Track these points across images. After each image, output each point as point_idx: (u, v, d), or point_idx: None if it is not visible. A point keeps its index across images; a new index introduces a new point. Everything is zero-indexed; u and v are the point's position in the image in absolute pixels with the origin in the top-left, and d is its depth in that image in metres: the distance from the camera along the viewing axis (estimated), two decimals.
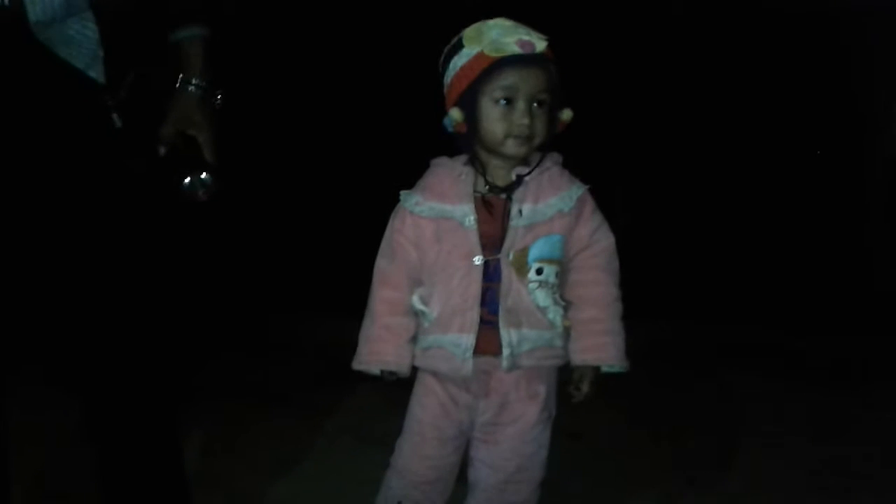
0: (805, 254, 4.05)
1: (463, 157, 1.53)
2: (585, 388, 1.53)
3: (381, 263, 1.56)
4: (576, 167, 1.56)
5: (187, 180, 1.59)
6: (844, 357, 3.49)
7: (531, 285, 1.49)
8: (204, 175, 1.60)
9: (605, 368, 1.54)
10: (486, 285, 1.48)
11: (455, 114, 1.46)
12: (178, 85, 1.59)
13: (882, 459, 2.50)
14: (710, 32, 4.03)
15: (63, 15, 1.44)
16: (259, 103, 3.71)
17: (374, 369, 1.56)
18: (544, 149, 1.51)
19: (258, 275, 3.66)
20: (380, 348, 1.55)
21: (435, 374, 1.56)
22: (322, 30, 3.88)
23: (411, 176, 1.58)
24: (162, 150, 1.62)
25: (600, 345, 1.52)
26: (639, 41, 3.96)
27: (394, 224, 1.55)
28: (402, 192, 1.55)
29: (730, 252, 4.08)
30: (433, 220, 1.51)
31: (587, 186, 1.54)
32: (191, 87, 1.59)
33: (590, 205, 1.54)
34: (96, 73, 1.52)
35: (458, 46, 1.46)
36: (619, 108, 3.93)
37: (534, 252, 1.48)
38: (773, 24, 4.02)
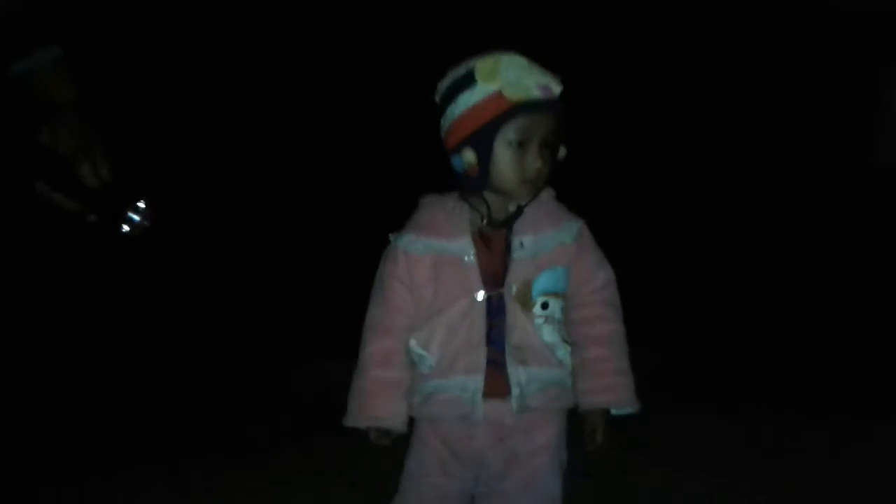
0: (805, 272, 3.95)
1: (454, 194, 1.47)
2: (599, 436, 1.44)
3: (373, 311, 1.47)
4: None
5: (126, 217, 1.42)
6: (857, 381, 3.40)
7: (537, 321, 1.42)
8: (137, 204, 1.43)
9: (614, 411, 1.46)
10: (490, 323, 1.41)
11: (468, 155, 1.38)
12: (54, 113, 1.43)
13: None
14: (687, 48, 3.99)
15: None
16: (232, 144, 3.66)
17: (364, 426, 1.45)
18: None
19: (247, 324, 3.55)
20: (370, 403, 1.44)
21: (433, 427, 1.46)
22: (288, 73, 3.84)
23: (398, 216, 1.51)
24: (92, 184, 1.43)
25: (609, 386, 1.45)
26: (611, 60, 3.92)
27: (385, 267, 1.47)
28: (392, 235, 1.47)
29: (728, 271, 3.98)
30: (429, 257, 1.43)
31: (583, 220, 1.49)
32: (72, 113, 1.44)
33: (589, 238, 1.49)
34: None
35: (470, 81, 1.37)
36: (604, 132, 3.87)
37: (538, 285, 1.42)
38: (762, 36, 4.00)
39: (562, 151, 1.43)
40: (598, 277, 1.47)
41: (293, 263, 3.63)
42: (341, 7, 3.69)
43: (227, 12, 3.52)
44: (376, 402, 1.44)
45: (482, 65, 1.37)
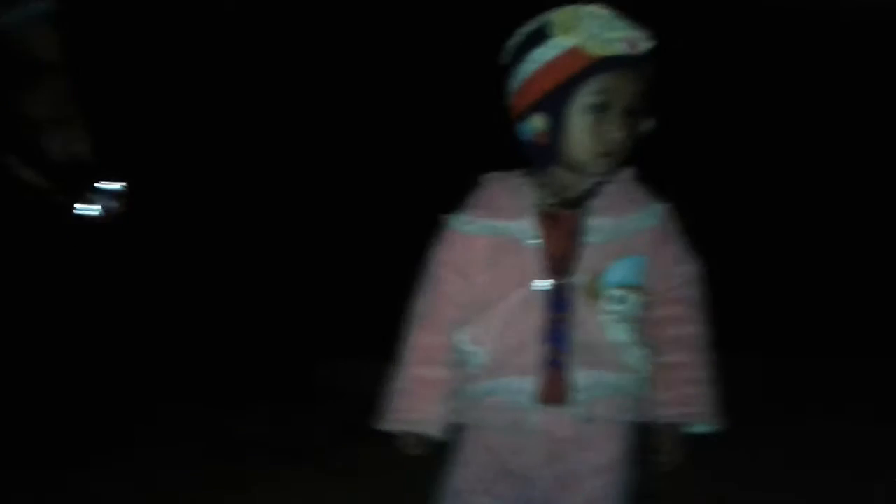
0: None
1: (519, 171, 1.28)
2: (668, 456, 1.25)
3: (420, 301, 1.30)
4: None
5: (86, 197, 1.25)
6: None
7: (608, 317, 1.22)
8: (105, 185, 1.26)
9: (693, 428, 1.26)
10: (552, 317, 1.21)
11: (537, 121, 1.19)
12: (37, 74, 1.28)
13: None
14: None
15: None
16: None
17: (399, 429, 1.28)
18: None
19: (296, 320, 3.42)
20: (408, 404, 1.27)
21: (479, 436, 1.28)
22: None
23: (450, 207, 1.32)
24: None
25: (687, 397, 1.25)
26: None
27: (436, 251, 1.29)
28: (446, 216, 1.29)
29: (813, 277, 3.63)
30: (487, 239, 1.25)
31: (669, 204, 1.29)
32: (56, 77, 1.29)
33: (673, 225, 1.29)
34: None
35: (543, 35, 1.18)
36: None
37: (612, 276, 1.22)
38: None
39: (647, 123, 1.22)
40: (681, 271, 1.27)
41: (341, 259, 3.49)
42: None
43: (228, 12, 3.43)
44: (415, 403, 1.27)
45: (559, 16, 1.18)
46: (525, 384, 1.22)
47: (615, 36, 1.15)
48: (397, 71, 3.56)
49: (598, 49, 1.15)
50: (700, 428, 1.26)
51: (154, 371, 2.90)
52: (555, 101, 1.17)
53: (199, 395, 2.91)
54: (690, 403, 1.25)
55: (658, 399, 1.25)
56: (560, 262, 1.22)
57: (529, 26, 1.22)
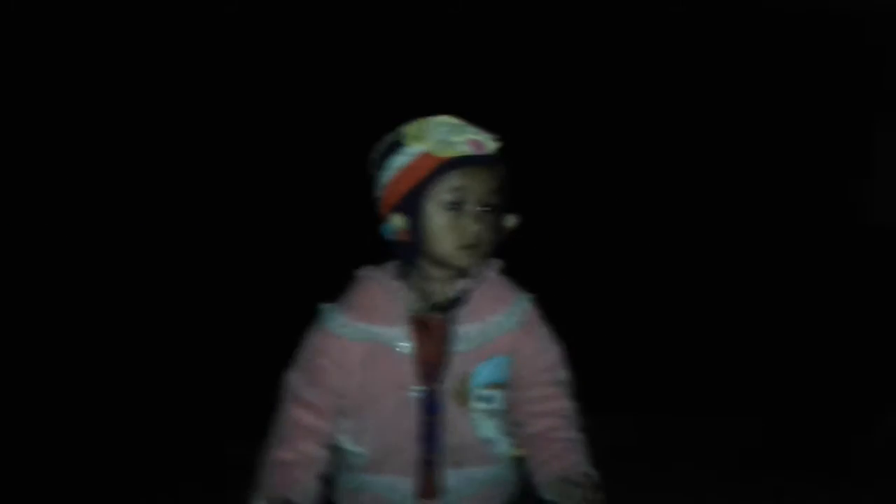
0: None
1: (392, 267, 1.33)
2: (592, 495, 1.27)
3: (298, 383, 1.32)
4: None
5: None
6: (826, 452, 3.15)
7: (476, 416, 1.30)
8: None
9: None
10: (425, 420, 1.29)
11: (397, 220, 1.26)
12: None
13: None
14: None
15: None
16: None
17: (270, 501, 1.27)
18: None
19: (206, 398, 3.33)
20: (290, 476, 1.28)
21: None
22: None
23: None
24: None
25: (560, 452, 1.30)
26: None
27: (314, 343, 1.32)
28: (324, 307, 1.33)
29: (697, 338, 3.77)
30: (362, 343, 1.30)
31: (532, 296, 1.36)
32: None
33: (535, 317, 1.36)
34: None
35: (397, 145, 1.28)
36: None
37: (478, 377, 1.30)
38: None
39: (511, 219, 1.30)
40: (546, 358, 1.35)
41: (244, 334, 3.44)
42: None
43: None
44: (297, 475, 1.28)
45: (410, 127, 1.27)
46: (402, 483, 1.30)
47: (461, 139, 1.24)
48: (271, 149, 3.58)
49: (446, 151, 1.23)
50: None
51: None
52: (412, 200, 1.25)
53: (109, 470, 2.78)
54: (565, 455, 1.29)
55: (536, 461, 1.30)
56: (431, 367, 1.29)
57: (386, 139, 1.30)
